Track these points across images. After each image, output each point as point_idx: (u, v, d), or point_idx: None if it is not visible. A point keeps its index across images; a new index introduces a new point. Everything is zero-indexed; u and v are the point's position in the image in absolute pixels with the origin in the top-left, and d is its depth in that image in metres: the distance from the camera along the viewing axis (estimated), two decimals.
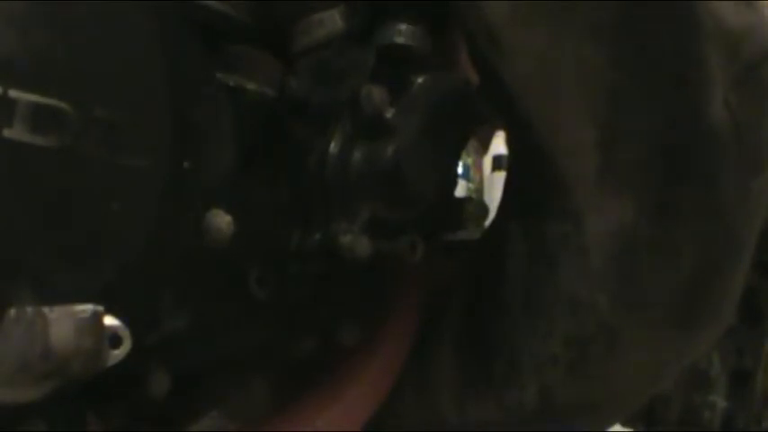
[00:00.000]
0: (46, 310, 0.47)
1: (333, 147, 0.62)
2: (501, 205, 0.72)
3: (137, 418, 0.60)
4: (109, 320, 0.49)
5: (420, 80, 0.63)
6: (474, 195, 2.26)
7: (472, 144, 2.08)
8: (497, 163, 2.29)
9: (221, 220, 0.56)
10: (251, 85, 0.61)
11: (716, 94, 0.60)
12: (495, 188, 2.27)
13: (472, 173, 2.33)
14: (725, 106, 0.61)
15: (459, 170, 1.82)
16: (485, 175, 2.39)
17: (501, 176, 1.31)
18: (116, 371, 0.50)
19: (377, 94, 0.61)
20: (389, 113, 0.61)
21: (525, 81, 0.63)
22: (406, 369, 0.71)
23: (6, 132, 0.47)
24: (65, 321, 0.48)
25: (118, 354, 0.50)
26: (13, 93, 0.48)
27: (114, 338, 0.50)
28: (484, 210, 0.69)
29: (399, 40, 0.64)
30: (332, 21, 0.65)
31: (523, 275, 0.68)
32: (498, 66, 0.63)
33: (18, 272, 0.49)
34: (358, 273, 0.63)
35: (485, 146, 2.33)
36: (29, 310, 0.47)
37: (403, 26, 0.64)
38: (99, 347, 0.49)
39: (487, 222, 0.72)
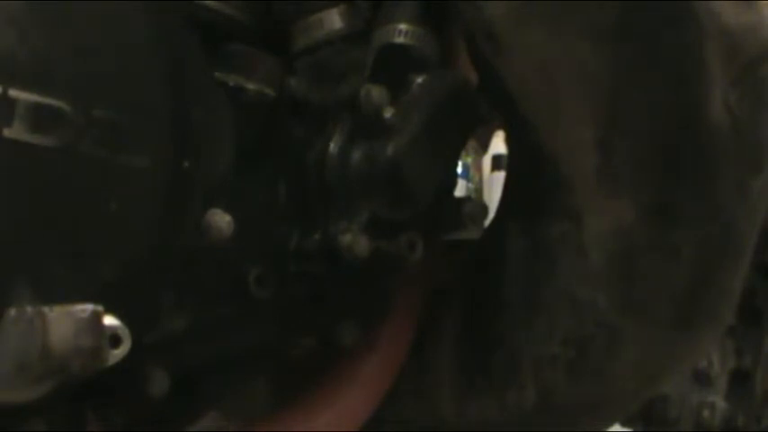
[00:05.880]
0: (45, 309, 0.47)
1: (332, 146, 0.62)
2: (500, 205, 0.72)
3: (137, 418, 0.59)
4: (108, 320, 0.49)
5: (420, 80, 0.63)
6: (474, 195, 2.27)
7: (472, 144, 2.08)
8: (497, 163, 2.29)
9: (221, 220, 0.56)
10: (251, 85, 0.61)
11: (716, 94, 0.60)
12: (494, 188, 2.27)
13: (472, 173, 2.34)
14: (724, 106, 0.61)
15: (459, 170, 1.82)
16: (484, 175, 2.40)
17: (500, 176, 1.31)
18: (116, 371, 0.50)
19: (376, 93, 0.61)
20: (389, 113, 0.61)
21: (524, 80, 0.63)
22: (405, 369, 0.71)
23: (6, 132, 0.47)
24: (64, 321, 0.47)
25: (117, 353, 0.50)
26: (13, 92, 0.48)
27: (114, 338, 0.50)
28: (483, 210, 0.69)
29: (399, 40, 0.64)
30: (331, 21, 0.65)
31: (523, 275, 0.68)
32: (498, 65, 0.63)
33: (18, 272, 0.49)
34: (357, 273, 0.63)
35: (484, 146, 2.33)
36: (28, 309, 0.47)
37: (403, 26, 0.64)
38: (98, 347, 0.49)
39: (487, 222, 0.72)
